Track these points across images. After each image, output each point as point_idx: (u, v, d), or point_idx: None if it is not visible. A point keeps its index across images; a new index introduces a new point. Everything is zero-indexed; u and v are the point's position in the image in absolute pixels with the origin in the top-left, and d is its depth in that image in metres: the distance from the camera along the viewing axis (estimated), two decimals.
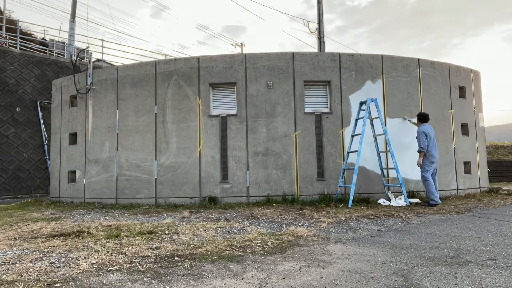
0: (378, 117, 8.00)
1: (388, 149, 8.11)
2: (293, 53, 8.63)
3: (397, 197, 7.89)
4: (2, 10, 21.91)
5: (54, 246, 4.12)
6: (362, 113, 8.12)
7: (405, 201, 7.48)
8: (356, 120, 8.25)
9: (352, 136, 8.13)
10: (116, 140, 8.99)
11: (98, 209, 7.88)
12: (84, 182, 9.32)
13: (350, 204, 7.24)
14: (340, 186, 8.06)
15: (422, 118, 7.86)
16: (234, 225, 5.37)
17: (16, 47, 16.08)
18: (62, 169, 9.95)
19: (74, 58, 16.40)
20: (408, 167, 8.44)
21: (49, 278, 2.97)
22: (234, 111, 8.55)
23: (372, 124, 8.24)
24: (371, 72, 8.75)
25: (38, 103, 14.65)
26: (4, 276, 3.00)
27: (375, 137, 8.24)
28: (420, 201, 7.80)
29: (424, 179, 7.52)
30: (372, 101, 7.99)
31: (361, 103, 8.18)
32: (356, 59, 8.78)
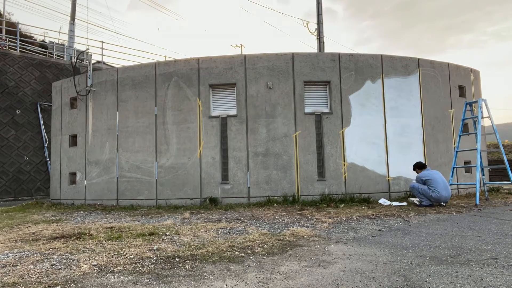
0: (488, 117, 8.20)
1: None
2: (292, 53, 8.63)
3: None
4: (2, 12, 21.93)
5: (55, 248, 4.12)
6: (467, 114, 8.60)
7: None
8: (462, 120, 8.64)
9: (460, 136, 8.59)
10: (117, 141, 8.99)
11: (99, 211, 7.88)
12: (85, 184, 9.32)
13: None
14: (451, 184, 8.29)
15: (421, 166, 7.74)
16: (235, 226, 5.36)
17: (16, 50, 16.08)
18: (63, 171, 9.95)
19: (74, 60, 16.43)
20: (409, 167, 8.44)
21: (50, 280, 2.97)
22: (234, 112, 8.55)
23: (475, 124, 8.49)
24: (370, 72, 8.76)
25: (38, 105, 14.66)
26: (5, 278, 3.00)
27: (477, 137, 8.57)
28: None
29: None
30: (482, 101, 8.19)
31: (467, 104, 8.59)
32: (356, 59, 8.79)
